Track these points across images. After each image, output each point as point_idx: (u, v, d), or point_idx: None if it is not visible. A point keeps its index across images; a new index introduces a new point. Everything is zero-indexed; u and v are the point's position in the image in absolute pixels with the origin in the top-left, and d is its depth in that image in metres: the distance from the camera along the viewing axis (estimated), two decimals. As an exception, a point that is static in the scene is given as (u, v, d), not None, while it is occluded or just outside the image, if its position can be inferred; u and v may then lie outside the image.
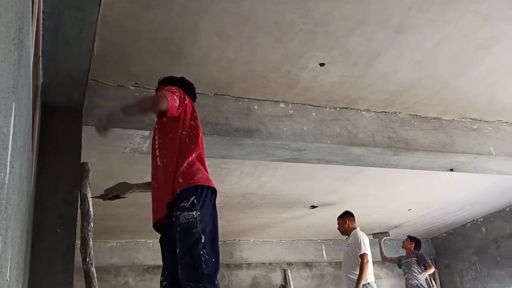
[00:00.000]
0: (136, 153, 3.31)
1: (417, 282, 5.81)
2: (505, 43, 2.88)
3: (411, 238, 6.25)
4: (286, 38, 2.69)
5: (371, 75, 3.09)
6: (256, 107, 3.21)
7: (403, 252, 6.32)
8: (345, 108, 3.43)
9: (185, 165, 2.17)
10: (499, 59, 3.04)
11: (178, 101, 2.23)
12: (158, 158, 2.27)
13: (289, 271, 7.22)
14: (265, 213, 5.81)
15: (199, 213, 2.03)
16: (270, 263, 7.17)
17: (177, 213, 2.05)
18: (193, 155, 2.22)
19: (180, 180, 2.13)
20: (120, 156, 3.72)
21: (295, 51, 2.81)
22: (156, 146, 2.31)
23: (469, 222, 7.04)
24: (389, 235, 6.58)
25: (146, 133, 2.94)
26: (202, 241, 1.99)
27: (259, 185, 4.83)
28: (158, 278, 6.33)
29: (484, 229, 6.84)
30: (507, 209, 6.43)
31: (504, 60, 3.06)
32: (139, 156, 3.69)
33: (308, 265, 7.36)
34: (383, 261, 6.37)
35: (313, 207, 5.76)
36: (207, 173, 2.24)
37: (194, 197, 2.06)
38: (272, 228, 6.51)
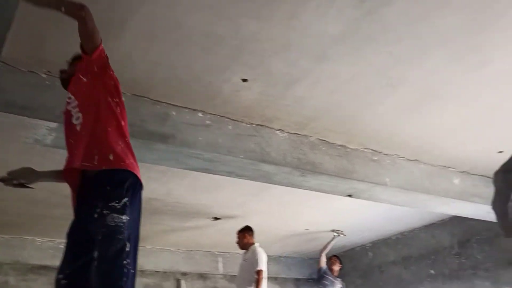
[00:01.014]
0: (38, 145, 3.12)
1: None
2: (410, 84, 3.15)
3: (340, 260, 6.48)
4: (214, 49, 2.72)
5: (288, 97, 3.22)
6: (174, 113, 3.19)
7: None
8: (261, 125, 3.52)
9: (111, 134, 1.94)
10: (402, 99, 3.32)
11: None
12: (77, 127, 1.99)
13: (183, 281, 7.14)
14: (167, 220, 5.72)
15: (128, 218, 1.83)
16: (165, 272, 7.04)
17: (104, 212, 1.79)
18: (121, 125, 2.01)
19: (110, 156, 1.90)
20: (20, 146, 3.48)
21: (220, 64, 2.85)
22: (73, 113, 2.02)
23: (358, 246, 7.48)
24: (344, 235, 6.66)
25: (54, 125, 2.79)
26: (127, 249, 1.79)
27: (165, 191, 4.76)
28: (42, 279, 5.97)
29: (371, 254, 7.31)
30: (393, 238, 6.93)
31: (406, 100, 3.34)
32: (41, 149, 3.49)
33: (202, 276, 7.33)
34: (320, 252, 6.48)
35: (216, 218, 5.79)
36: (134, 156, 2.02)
37: (126, 198, 1.85)
38: (171, 237, 6.42)
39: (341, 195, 4.16)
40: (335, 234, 6.46)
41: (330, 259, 6.44)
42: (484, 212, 4.70)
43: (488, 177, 4.68)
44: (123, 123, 2.06)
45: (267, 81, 3.04)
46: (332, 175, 3.72)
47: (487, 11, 2.54)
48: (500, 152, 4.17)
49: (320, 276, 6.32)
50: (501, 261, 5.52)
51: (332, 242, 6.51)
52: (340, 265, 6.40)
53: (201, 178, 4.39)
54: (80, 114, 2.01)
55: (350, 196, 4.16)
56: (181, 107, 3.24)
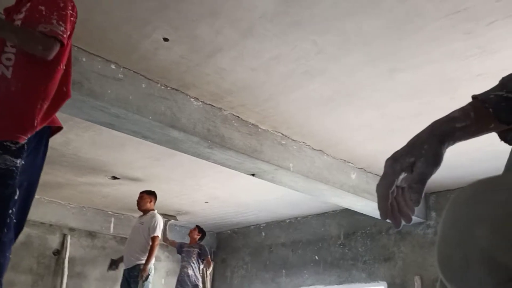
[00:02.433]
0: None
1: (192, 273, 6.07)
2: (328, 76, 3.23)
3: (200, 229, 6.51)
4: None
5: (209, 66, 3.15)
6: (84, 59, 2.98)
7: (187, 240, 6.55)
8: (176, 89, 3.42)
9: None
10: (318, 90, 3.39)
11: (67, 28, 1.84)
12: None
13: (69, 237, 6.86)
14: (61, 172, 5.42)
15: (23, 162, 1.67)
16: (51, 225, 6.71)
17: None
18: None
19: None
20: None
21: (143, 16, 2.70)
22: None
23: (253, 225, 7.66)
24: (176, 220, 6.70)
25: None
26: (15, 197, 1.64)
27: (63, 141, 4.49)
28: None
29: (263, 234, 7.53)
30: (287, 221, 7.19)
31: (321, 92, 3.42)
32: None
33: (91, 234, 7.09)
34: (164, 241, 6.46)
35: (114, 178, 5.59)
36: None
37: (26, 140, 1.68)
38: (64, 190, 6.11)
39: (245, 173, 4.20)
40: (166, 219, 6.44)
41: (191, 231, 6.48)
42: (372, 208, 5.02)
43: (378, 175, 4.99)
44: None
45: (190, 45, 2.94)
46: (240, 152, 3.73)
47: (408, 23, 2.65)
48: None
49: (179, 253, 6.38)
50: (379, 257, 5.95)
51: (167, 227, 6.47)
52: (199, 233, 6.45)
53: (104, 133, 4.19)
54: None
55: (253, 175, 4.21)
56: (94, 54, 3.04)
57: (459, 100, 3.32)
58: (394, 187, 0.79)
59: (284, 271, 6.97)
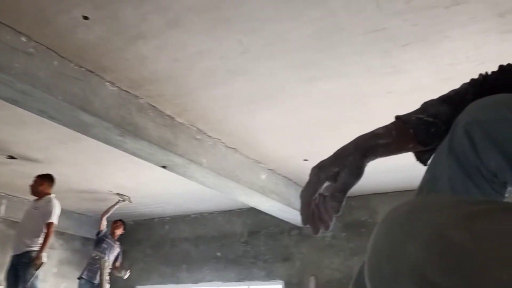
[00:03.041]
0: None
1: (102, 267, 5.84)
2: (250, 77, 3.25)
3: (124, 226, 6.28)
4: (60, -28, 2.41)
5: (130, 52, 3.03)
6: (-9, 27, 2.73)
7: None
8: (91, 71, 3.25)
9: None
10: (239, 89, 3.41)
11: None
12: None
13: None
14: (-51, 146, 4.92)
15: None
16: None
17: None
18: None
19: None
20: None
21: (64, -9, 2.54)
22: None
23: (157, 218, 7.52)
24: (130, 202, 6.35)
25: None
26: None
27: (-45, 112, 4.07)
28: None
29: (167, 227, 7.42)
30: (192, 216, 7.15)
31: (242, 91, 3.44)
32: None
33: (-22, 216, 6.53)
34: (101, 216, 6.14)
35: (11, 157, 5.19)
36: None
37: None
38: (-50, 165, 5.55)
39: (156, 164, 4.10)
40: (120, 199, 6.26)
41: (116, 222, 6.32)
42: (277, 209, 5.16)
43: (289, 179, 5.15)
44: None
45: (111, 27, 2.81)
46: (153, 143, 3.64)
47: (332, 35, 2.75)
48: (306, 160, 4.60)
49: (99, 239, 6.14)
50: (279, 256, 6.13)
51: (116, 206, 6.30)
52: (123, 230, 6.33)
53: (4, 108, 3.86)
54: None
55: (164, 167, 4.13)
56: (3, 23, 2.79)
57: (370, 113, 3.53)
58: (317, 194, 0.82)
59: (185, 266, 6.93)
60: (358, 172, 0.79)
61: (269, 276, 6.16)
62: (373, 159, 0.82)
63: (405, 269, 0.40)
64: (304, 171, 4.90)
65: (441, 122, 0.80)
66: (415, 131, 0.81)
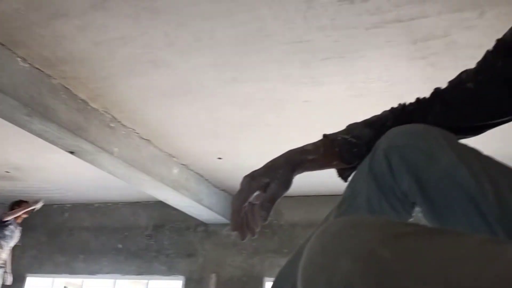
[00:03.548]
0: None
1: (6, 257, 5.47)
2: (171, 70, 3.22)
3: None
4: None
5: (48, 29, 2.87)
6: None
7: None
8: (2, 44, 3.03)
9: None
10: (160, 81, 3.36)
11: None
12: None
13: None
14: None
15: None
16: None
17: None
18: None
19: None
20: None
21: (-20, -46, 2.35)
22: None
23: (57, 205, 7.15)
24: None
25: None
26: None
27: None
28: None
29: (66, 215, 7.07)
30: (96, 205, 6.89)
31: (163, 84, 3.39)
32: None
33: None
34: (6, 216, 5.63)
35: None
36: None
37: None
38: None
39: (63, 149, 3.91)
40: (35, 207, 5.73)
41: (19, 204, 5.87)
42: (186, 205, 5.15)
43: (201, 175, 5.16)
44: None
45: (31, 1, 2.64)
46: (63, 126, 3.47)
47: (257, 40, 2.82)
48: (220, 158, 4.65)
49: (2, 226, 5.73)
50: (182, 252, 6.11)
51: (27, 210, 5.77)
52: (27, 213, 5.94)
53: None
54: None
55: (72, 153, 3.95)
56: None
57: (285, 119, 3.66)
58: (247, 203, 0.86)
59: (82, 256, 6.65)
60: (286, 185, 0.85)
61: (170, 271, 6.12)
62: (301, 172, 0.88)
63: (337, 281, 0.45)
64: (217, 169, 4.96)
65: (363, 144, 0.88)
66: (340, 150, 0.88)
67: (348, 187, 0.85)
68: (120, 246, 6.49)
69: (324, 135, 0.92)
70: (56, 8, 2.69)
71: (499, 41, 0.87)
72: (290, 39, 2.81)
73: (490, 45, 0.82)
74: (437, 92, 0.92)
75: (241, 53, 2.99)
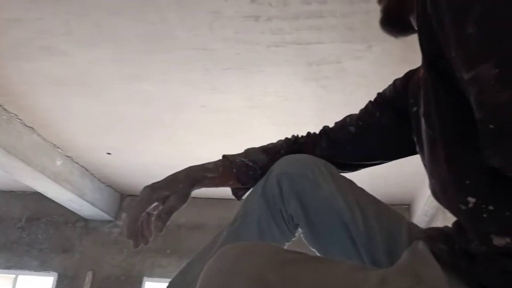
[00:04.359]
0: None
1: None
2: (67, 60, 3.09)
3: None
4: None
5: None
6: None
7: None
8: None
9: None
10: (53, 68, 3.19)
11: None
12: None
13: None
14: None
15: None
16: None
17: None
18: None
19: None
20: None
21: None
22: None
23: None
24: None
25: None
26: None
27: None
28: None
29: None
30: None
31: (57, 72, 3.23)
32: None
33: None
34: None
35: None
36: None
37: None
38: None
39: None
40: None
41: None
42: (67, 198, 4.92)
43: (86, 169, 4.96)
44: None
45: None
46: None
47: (162, 41, 2.82)
48: (109, 153, 4.53)
49: None
50: (57, 247, 5.79)
51: None
52: None
53: None
54: None
55: None
56: None
57: (181, 121, 3.70)
58: (145, 212, 0.90)
59: None
60: (185, 198, 0.91)
61: (42, 267, 5.77)
62: (199, 188, 0.95)
63: None
64: (105, 164, 4.80)
65: (258, 168, 0.98)
66: (237, 171, 0.97)
67: (242, 206, 0.94)
68: (-13, 237, 5.97)
69: (224, 156, 1.00)
70: None
71: (379, 95, 1.01)
72: (194, 45, 2.86)
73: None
74: (325, 130, 1.04)
75: (144, 52, 2.96)
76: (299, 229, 0.91)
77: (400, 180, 4.52)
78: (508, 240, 0.59)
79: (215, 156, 1.04)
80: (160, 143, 4.18)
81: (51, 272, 5.74)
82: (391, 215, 0.86)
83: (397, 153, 0.98)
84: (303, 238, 0.90)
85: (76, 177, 4.77)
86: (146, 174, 4.94)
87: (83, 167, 4.88)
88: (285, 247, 0.90)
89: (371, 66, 2.87)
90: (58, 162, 4.48)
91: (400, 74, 1.01)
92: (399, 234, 0.82)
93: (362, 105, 1.03)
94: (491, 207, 0.61)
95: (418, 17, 0.67)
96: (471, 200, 0.64)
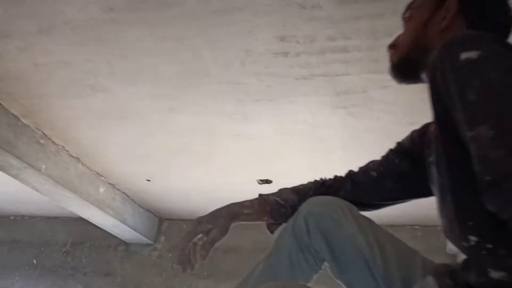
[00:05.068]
0: None
1: None
2: (110, 96, 3.32)
3: None
4: None
5: (-12, 46, 2.89)
6: None
7: None
8: None
9: None
10: (96, 104, 3.44)
11: None
12: None
13: None
14: None
15: None
16: None
17: None
18: None
19: None
20: None
21: None
22: None
23: (-34, 214, 6.77)
24: None
25: None
26: None
27: None
28: None
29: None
30: (12, 218, 6.61)
31: (99, 107, 3.47)
32: None
33: None
34: None
35: None
36: None
37: None
38: None
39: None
40: None
41: None
42: (110, 224, 5.15)
43: (128, 195, 5.20)
44: None
45: (-27, 19, 2.67)
46: (-10, 140, 3.43)
47: (196, 77, 3.01)
48: (148, 180, 4.74)
49: None
50: (100, 271, 6.02)
51: None
52: None
53: None
54: None
55: (-4, 167, 3.87)
56: None
57: (215, 149, 3.86)
58: (191, 243, 1.06)
59: (-10, 270, 6.34)
60: (225, 232, 1.07)
61: (86, 289, 6.01)
62: (237, 223, 1.10)
63: None
64: (144, 191, 5.02)
65: (289, 206, 1.12)
66: (271, 209, 1.12)
67: (275, 242, 1.08)
68: (34, 261, 6.27)
69: (260, 195, 1.15)
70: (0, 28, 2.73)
71: (398, 144, 1.15)
72: (227, 80, 3.04)
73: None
74: (350, 173, 1.18)
75: (180, 87, 3.16)
76: (326, 263, 1.04)
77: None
78: (503, 274, 0.71)
79: (247, 181, 1.19)
80: (195, 169, 4.36)
81: (94, 295, 5.96)
82: (407, 251, 0.98)
83: (414, 196, 1.11)
84: (329, 271, 1.02)
85: (118, 203, 5.00)
86: (183, 199, 5.13)
87: (124, 193, 5.11)
88: (313, 278, 1.03)
89: (397, 93, 2.98)
90: (101, 190, 4.72)
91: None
92: (413, 268, 0.94)
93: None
94: (489, 245, 0.74)
95: (430, 82, 0.81)
96: (473, 238, 0.76)
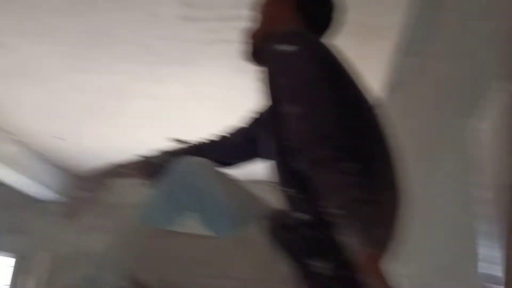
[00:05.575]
0: None
1: None
2: (14, 53, 3.27)
3: None
4: None
5: None
6: None
7: None
8: None
9: None
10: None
11: None
12: None
13: None
14: None
15: None
16: None
17: None
18: None
19: None
20: None
21: None
22: None
23: None
24: None
25: None
26: None
27: None
28: None
29: None
30: None
31: (4, 63, 3.41)
32: None
33: None
34: None
35: None
36: None
37: None
38: None
39: None
40: None
41: None
42: (22, 182, 5.09)
43: (40, 153, 5.13)
44: None
45: None
46: None
47: (110, 39, 3.06)
48: (61, 138, 4.73)
49: None
50: (12, 229, 5.89)
51: None
52: None
53: None
54: None
55: None
56: None
57: (123, 108, 3.93)
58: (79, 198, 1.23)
59: None
60: (107, 188, 1.23)
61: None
62: (119, 179, 1.27)
63: None
64: (57, 148, 4.98)
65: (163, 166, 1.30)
66: (151, 170, 1.30)
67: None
68: None
69: (142, 156, 1.33)
70: None
71: (257, 113, 1.36)
72: (134, 42, 3.10)
73: None
74: (218, 137, 1.39)
75: (90, 48, 3.19)
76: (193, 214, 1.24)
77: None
78: (305, 214, 0.96)
79: (159, 140, 1.33)
80: (107, 129, 4.42)
81: (6, 253, 5.87)
82: (252, 197, 1.21)
83: (262, 157, 1.33)
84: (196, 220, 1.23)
85: (30, 161, 4.93)
86: (96, 157, 5.17)
87: (37, 151, 5.04)
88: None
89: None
90: (13, 148, 4.63)
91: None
92: (251, 210, 1.16)
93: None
94: (297, 194, 0.98)
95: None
96: (287, 189, 1.01)
